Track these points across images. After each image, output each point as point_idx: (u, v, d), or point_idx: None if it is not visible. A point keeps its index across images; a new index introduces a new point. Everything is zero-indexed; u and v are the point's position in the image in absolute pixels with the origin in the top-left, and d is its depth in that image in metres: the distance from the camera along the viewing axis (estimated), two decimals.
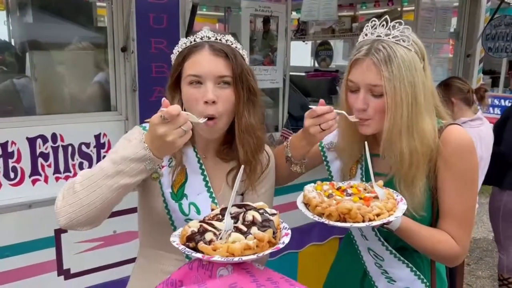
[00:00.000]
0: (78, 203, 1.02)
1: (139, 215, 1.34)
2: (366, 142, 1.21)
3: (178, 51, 1.20)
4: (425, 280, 1.35)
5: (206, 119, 1.09)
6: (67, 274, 1.97)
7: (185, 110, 1.17)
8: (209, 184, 1.24)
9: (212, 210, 1.11)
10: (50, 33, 2.33)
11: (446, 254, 1.27)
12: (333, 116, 1.23)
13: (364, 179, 1.37)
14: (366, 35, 1.26)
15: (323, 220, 1.09)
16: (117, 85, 2.13)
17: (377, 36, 1.21)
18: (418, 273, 1.35)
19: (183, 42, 1.19)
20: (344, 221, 1.08)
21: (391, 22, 1.22)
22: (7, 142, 1.84)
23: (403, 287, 1.37)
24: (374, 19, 1.25)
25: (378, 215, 1.09)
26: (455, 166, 1.23)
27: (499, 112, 7.38)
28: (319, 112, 1.23)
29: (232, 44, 1.19)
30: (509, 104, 7.31)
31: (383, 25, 1.22)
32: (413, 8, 3.53)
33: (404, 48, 1.19)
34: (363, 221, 1.07)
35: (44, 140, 1.93)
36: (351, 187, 1.22)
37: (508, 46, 3.53)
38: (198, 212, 1.21)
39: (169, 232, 1.21)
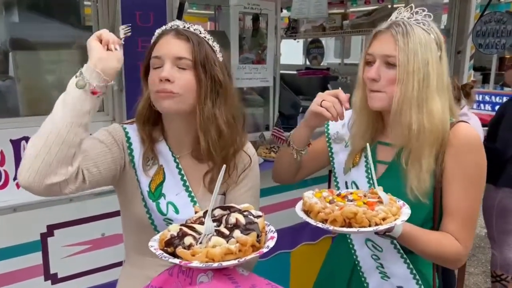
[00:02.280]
0: (33, 153, 0.99)
1: (122, 220, 1.31)
2: (368, 145, 1.21)
3: (151, 41, 1.21)
4: (420, 282, 1.33)
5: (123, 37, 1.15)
6: (54, 279, 1.93)
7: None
8: (187, 184, 1.22)
9: (196, 212, 1.06)
10: (36, 33, 2.28)
11: (451, 257, 1.25)
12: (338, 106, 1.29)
13: (367, 166, 1.35)
14: (390, 19, 1.31)
15: (327, 226, 1.06)
16: None
17: (400, 19, 1.28)
18: (414, 271, 1.33)
19: (157, 32, 1.21)
20: (350, 226, 1.06)
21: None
22: None
23: (396, 285, 1.35)
24: (401, 7, 1.31)
25: (384, 219, 1.06)
26: (463, 162, 1.24)
27: (489, 108, 7.43)
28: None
29: (200, 33, 1.18)
30: (500, 100, 7.36)
31: (407, 11, 1.28)
32: (403, 5, 3.52)
33: (423, 30, 1.24)
34: (369, 226, 1.05)
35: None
36: (351, 193, 1.20)
37: (498, 42, 3.53)
38: (177, 211, 1.18)
39: (152, 235, 1.18)
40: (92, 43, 1.06)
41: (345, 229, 1.06)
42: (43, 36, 2.27)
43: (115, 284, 1.35)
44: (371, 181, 1.32)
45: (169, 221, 1.18)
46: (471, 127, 1.29)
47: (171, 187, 1.20)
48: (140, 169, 1.20)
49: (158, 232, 1.18)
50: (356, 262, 1.42)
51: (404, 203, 1.17)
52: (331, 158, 1.49)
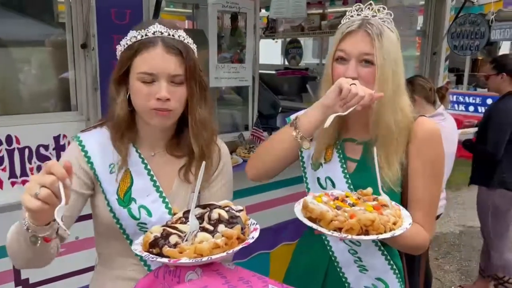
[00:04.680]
0: (11, 255, 1.04)
1: (93, 222, 1.27)
2: (375, 148, 1.18)
3: (127, 43, 1.14)
4: (397, 271, 1.36)
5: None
6: (25, 285, 1.87)
7: (129, 100, 1.14)
8: (158, 184, 1.18)
9: (175, 214, 1.06)
10: (7, 29, 2.20)
11: (420, 245, 1.29)
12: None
13: (342, 161, 1.34)
14: (352, 16, 1.29)
15: (345, 235, 1.02)
16: (78, 83, 2.03)
17: (364, 17, 1.26)
18: (392, 262, 1.35)
19: (133, 35, 1.12)
20: (367, 233, 1.03)
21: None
22: None
23: (375, 277, 1.37)
24: (359, 3, 1.30)
25: (394, 223, 1.06)
26: (427, 155, 1.28)
27: (463, 109, 7.62)
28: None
29: (184, 39, 1.14)
30: (473, 101, 7.56)
31: (368, 8, 1.27)
32: (388, 10, 3.55)
33: (389, 29, 1.26)
34: (385, 231, 1.03)
35: None
36: (346, 196, 1.18)
37: (472, 44, 3.60)
38: (150, 214, 1.15)
39: (123, 241, 1.16)
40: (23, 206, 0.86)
41: (364, 237, 1.02)
42: (15, 33, 2.20)
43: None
44: (347, 176, 1.33)
45: (142, 225, 1.15)
46: (431, 120, 1.35)
47: (140, 190, 1.17)
48: (104, 180, 1.16)
49: (130, 238, 1.16)
50: (333, 258, 1.41)
51: (397, 203, 1.18)
52: (300, 152, 1.41)
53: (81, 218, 1.90)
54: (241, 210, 1.01)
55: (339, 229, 1.04)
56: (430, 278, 3.07)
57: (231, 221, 0.95)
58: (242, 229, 0.94)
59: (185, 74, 1.12)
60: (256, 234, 0.96)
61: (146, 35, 1.11)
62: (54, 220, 0.89)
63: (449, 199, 5.32)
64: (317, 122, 1.25)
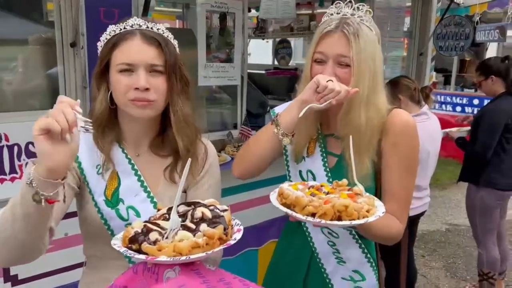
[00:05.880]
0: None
1: (80, 225, 1.25)
2: (351, 136, 1.19)
3: (106, 38, 1.14)
4: (373, 264, 1.39)
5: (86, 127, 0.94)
6: (14, 281, 1.87)
7: (111, 98, 1.14)
8: (145, 184, 1.18)
9: (159, 210, 1.05)
10: None
11: (395, 236, 1.32)
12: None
13: (324, 155, 1.37)
14: (331, 14, 1.31)
15: (318, 220, 1.04)
16: (67, 82, 2.05)
17: (343, 15, 1.28)
18: (368, 255, 1.39)
19: (112, 30, 1.12)
20: (339, 219, 1.04)
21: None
22: None
23: (352, 269, 1.40)
24: (339, 0, 1.31)
25: (367, 211, 1.07)
26: (402, 147, 1.30)
27: (450, 109, 7.72)
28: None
29: (164, 33, 1.14)
30: (460, 101, 7.66)
31: (348, 6, 1.29)
32: (368, 7, 3.61)
33: (367, 27, 1.27)
34: (358, 218, 1.05)
35: None
36: (321, 186, 1.20)
37: (457, 45, 3.67)
38: (138, 215, 1.14)
39: (110, 238, 1.13)
40: (34, 138, 0.87)
41: (337, 223, 1.04)
42: (5, 31, 2.20)
43: (78, 285, 1.32)
44: (327, 170, 1.36)
45: None
46: (406, 112, 1.36)
47: (128, 190, 1.16)
48: (91, 181, 1.15)
49: None
50: (313, 249, 1.44)
51: (370, 194, 1.19)
52: (284, 146, 1.43)
53: (71, 215, 1.91)
54: (225, 210, 0.99)
55: (313, 215, 1.05)
56: (415, 274, 3.13)
57: (214, 221, 0.93)
58: (224, 229, 0.92)
59: (164, 66, 1.11)
60: (238, 236, 0.94)
61: (124, 28, 1.11)
62: (63, 178, 0.90)
63: (436, 198, 5.41)
64: (295, 117, 1.27)
